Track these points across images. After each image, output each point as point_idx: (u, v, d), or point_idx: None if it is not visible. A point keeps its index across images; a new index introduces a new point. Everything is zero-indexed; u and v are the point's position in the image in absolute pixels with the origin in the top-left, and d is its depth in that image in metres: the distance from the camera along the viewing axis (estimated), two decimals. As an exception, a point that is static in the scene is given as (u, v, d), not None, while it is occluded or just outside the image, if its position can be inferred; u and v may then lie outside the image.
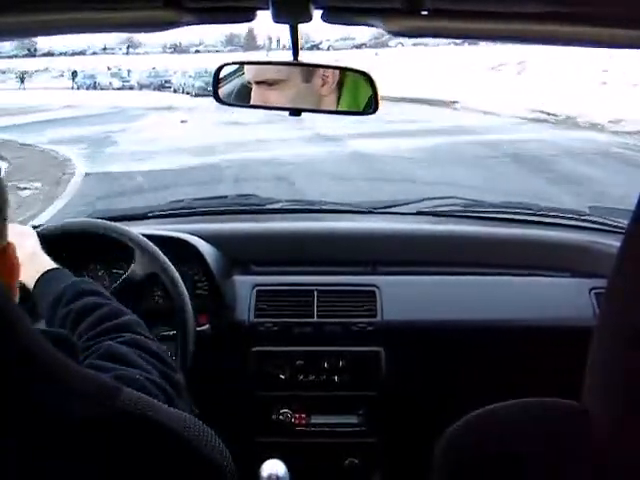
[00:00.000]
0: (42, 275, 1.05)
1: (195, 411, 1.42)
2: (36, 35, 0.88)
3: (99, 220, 1.51)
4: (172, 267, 1.42)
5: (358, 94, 1.20)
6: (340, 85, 1.19)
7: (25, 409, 0.54)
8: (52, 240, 1.46)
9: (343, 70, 1.21)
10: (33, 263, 1.07)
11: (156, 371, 0.83)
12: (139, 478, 0.58)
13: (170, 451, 0.60)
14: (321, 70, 1.18)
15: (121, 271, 1.60)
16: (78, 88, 34.60)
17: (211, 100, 1.31)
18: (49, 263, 1.08)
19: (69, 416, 0.56)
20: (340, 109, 1.21)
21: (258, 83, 1.22)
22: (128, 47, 58.81)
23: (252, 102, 1.24)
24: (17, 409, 0.54)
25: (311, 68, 1.18)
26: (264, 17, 0.81)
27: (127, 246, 1.43)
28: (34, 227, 1.54)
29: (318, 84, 1.18)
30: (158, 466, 0.59)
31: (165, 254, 1.42)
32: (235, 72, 1.27)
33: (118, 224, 1.48)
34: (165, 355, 0.90)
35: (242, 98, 1.26)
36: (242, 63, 1.28)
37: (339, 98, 1.20)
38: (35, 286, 1.04)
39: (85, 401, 0.57)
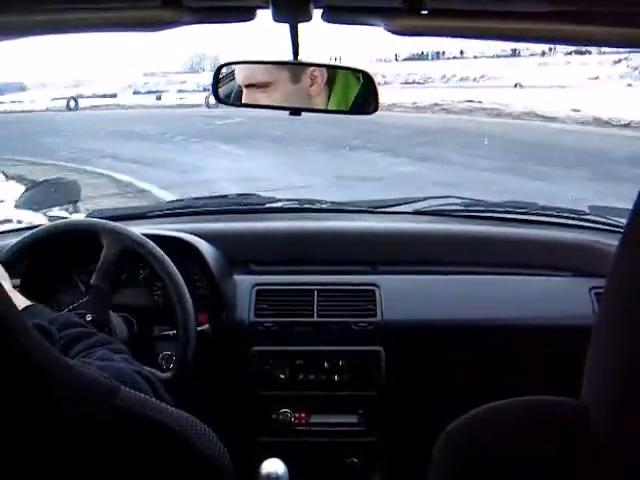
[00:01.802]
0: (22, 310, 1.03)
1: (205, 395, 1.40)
2: (35, 35, 0.88)
3: (100, 220, 1.51)
4: (173, 267, 1.42)
5: (348, 93, 1.20)
6: (330, 84, 1.19)
7: (25, 409, 0.55)
8: (55, 238, 1.46)
9: (342, 69, 1.21)
10: None
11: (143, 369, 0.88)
12: (137, 476, 0.58)
13: (168, 450, 0.60)
14: (309, 70, 1.18)
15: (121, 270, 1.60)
16: None
17: None
18: (24, 301, 1.06)
19: (68, 415, 0.56)
20: (330, 108, 1.21)
21: (247, 86, 1.22)
22: None
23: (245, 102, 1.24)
24: (17, 409, 0.54)
25: (299, 69, 1.18)
26: (264, 16, 0.81)
27: (127, 246, 1.43)
28: (31, 228, 1.54)
29: (307, 84, 1.18)
30: (156, 464, 0.59)
31: (165, 254, 1.42)
32: (233, 73, 1.28)
33: (118, 223, 1.48)
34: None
35: (237, 100, 1.27)
36: (241, 63, 1.28)
37: (329, 97, 1.20)
38: None
39: (84, 400, 0.57)
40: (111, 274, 1.43)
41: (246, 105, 1.27)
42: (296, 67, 1.18)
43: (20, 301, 1.06)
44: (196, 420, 0.64)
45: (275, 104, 1.21)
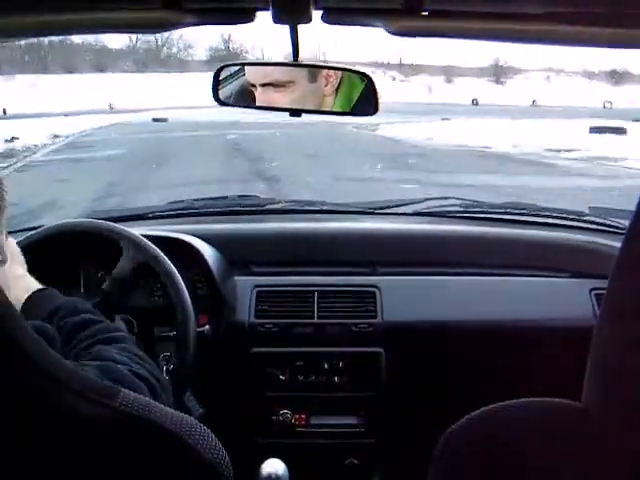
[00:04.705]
0: (32, 294, 1.03)
1: (200, 410, 1.42)
2: (36, 36, 0.88)
3: (97, 220, 1.51)
4: (172, 268, 1.42)
5: (352, 94, 1.20)
6: (338, 86, 1.20)
7: (24, 408, 0.55)
8: (54, 239, 1.46)
9: (343, 70, 1.21)
10: (21, 283, 1.05)
11: (142, 368, 0.87)
12: (135, 477, 0.58)
13: (166, 451, 0.60)
14: (324, 70, 1.18)
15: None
16: None
17: None
18: (36, 285, 1.06)
19: (68, 415, 0.56)
20: (335, 110, 1.22)
21: (264, 85, 1.21)
22: None
23: (257, 104, 1.23)
24: (15, 408, 0.55)
25: (316, 69, 1.18)
26: (264, 18, 0.81)
27: (125, 246, 1.43)
28: (33, 228, 1.54)
29: (322, 84, 1.19)
30: (154, 466, 0.59)
31: (165, 255, 1.42)
32: (235, 74, 1.27)
33: (117, 224, 1.48)
34: (152, 362, 0.94)
35: (244, 99, 1.26)
36: (243, 64, 1.28)
37: (335, 99, 1.20)
38: (25, 304, 1.02)
39: (83, 401, 0.57)
40: (125, 283, 1.44)
41: (250, 106, 1.27)
42: (307, 68, 1.18)
43: (33, 284, 1.06)
44: (194, 421, 0.64)
45: (290, 103, 1.20)
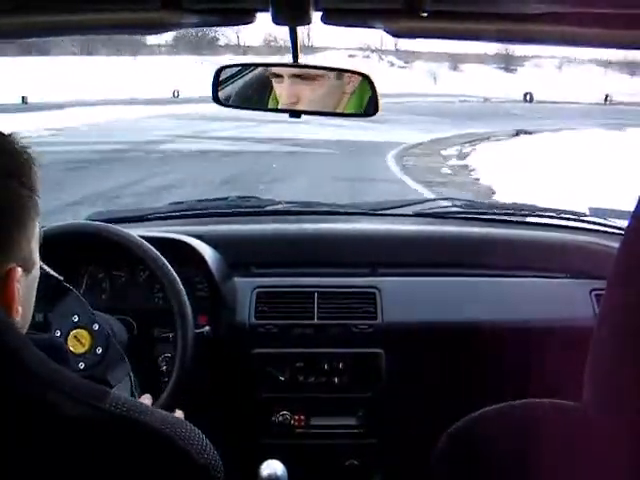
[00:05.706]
0: None
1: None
2: (36, 36, 0.88)
3: (97, 222, 1.51)
4: (171, 269, 1.42)
5: (363, 96, 1.21)
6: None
7: (15, 407, 0.56)
8: (53, 241, 1.46)
9: (343, 72, 1.22)
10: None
11: None
12: (125, 478, 0.58)
13: (155, 452, 0.60)
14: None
15: (121, 273, 1.60)
16: None
17: None
18: None
19: (58, 415, 0.57)
20: (346, 111, 1.22)
21: (293, 76, 1.20)
22: None
23: (279, 97, 1.21)
24: (16, 413, 0.55)
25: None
26: (263, 19, 0.81)
27: (126, 248, 1.43)
28: None
29: (346, 82, 1.19)
30: (144, 466, 0.59)
31: (165, 256, 1.42)
32: (236, 75, 1.27)
33: (118, 226, 1.48)
34: None
35: (260, 92, 1.25)
36: (243, 65, 1.28)
37: (349, 100, 1.21)
38: None
39: (73, 401, 0.58)
40: (124, 285, 1.50)
41: (251, 107, 1.26)
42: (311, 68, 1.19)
43: None
44: (184, 422, 0.64)
45: (316, 98, 1.19)
